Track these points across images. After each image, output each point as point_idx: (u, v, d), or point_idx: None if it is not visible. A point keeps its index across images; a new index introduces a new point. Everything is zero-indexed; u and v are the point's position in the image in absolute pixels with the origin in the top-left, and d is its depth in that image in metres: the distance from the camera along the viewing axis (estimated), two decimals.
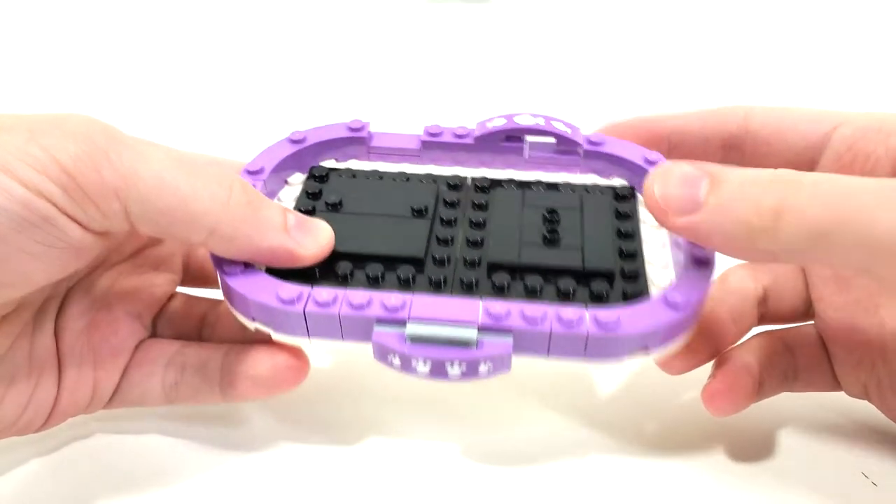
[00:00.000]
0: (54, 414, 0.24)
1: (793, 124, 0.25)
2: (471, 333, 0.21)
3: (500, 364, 0.21)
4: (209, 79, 0.82)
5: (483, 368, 0.21)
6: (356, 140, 0.27)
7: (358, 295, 0.22)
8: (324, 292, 0.22)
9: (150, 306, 0.26)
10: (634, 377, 0.28)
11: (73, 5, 0.81)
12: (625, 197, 0.26)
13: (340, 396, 0.28)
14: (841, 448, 0.25)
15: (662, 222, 0.21)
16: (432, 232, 0.25)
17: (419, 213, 0.25)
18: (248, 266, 0.23)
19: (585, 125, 0.28)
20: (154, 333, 0.27)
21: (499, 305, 0.21)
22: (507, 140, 0.27)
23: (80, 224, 0.20)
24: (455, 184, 0.27)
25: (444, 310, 0.21)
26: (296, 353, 0.25)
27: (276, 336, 0.23)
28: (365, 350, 0.22)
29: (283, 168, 0.27)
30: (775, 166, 0.25)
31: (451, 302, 0.22)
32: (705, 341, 0.24)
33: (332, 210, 0.25)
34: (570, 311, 0.21)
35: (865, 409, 0.26)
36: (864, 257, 0.18)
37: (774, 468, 0.24)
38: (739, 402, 0.24)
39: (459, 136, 0.27)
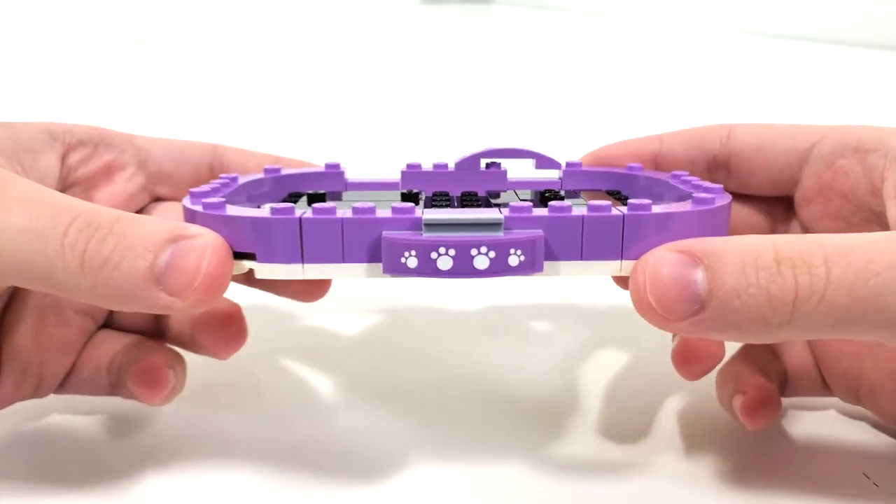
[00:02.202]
0: None
1: (772, 142, 0.25)
2: (497, 216, 0.19)
3: (532, 257, 0.19)
4: (207, 79, 0.83)
5: (513, 259, 0.19)
6: (333, 175, 0.27)
7: (362, 204, 0.19)
8: (323, 205, 0.19)
9: None
10: (636, 383, 0.28)
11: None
12: (614, 194, 0.26)
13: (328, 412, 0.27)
14: (842, 448, 0.24)
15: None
16: (426, 204, 0.24)
17: (410, 197, 0.24)
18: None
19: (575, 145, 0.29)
20: (112, 324, 0.26)
21: (521, 204, 0.19)
22: (488, 167, 0.27)
23: None
24: (441, 193, 0.26)
25: (461, 212, 0.19)
26: (157, 372, 0.24)
27: (262, 270, 0.20)
28: (369, 284, 0.20)
29: (258, 191, 0.26)
30: (758, 184, 0.26)
31: (466, 210, 0.20)
32: (706, 344, 0.23)
33: (316, 201, 0.24)
34: (598, 204, 0.19)
35: (866, 409, 0.25)
36: (886, 335, 0.18)
37: (775, 469, 0.23)
38: (776, 411, 0.24)
39: (439, 167, 0.27)
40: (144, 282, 0.18)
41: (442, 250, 0.18)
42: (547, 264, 0.19)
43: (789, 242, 0.18)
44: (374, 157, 0.55)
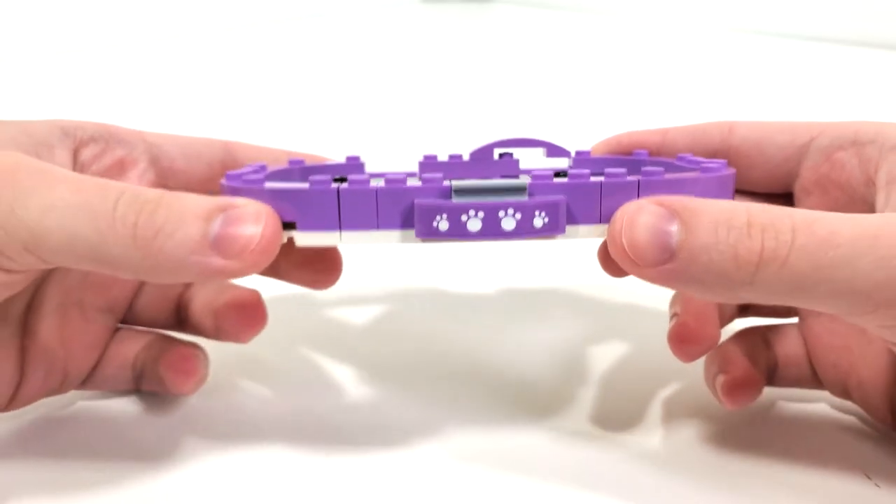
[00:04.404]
0: (17, 399, 0.24)
1: (770, 138, 0.26)
2: (522, 181, 0.20)
3: (555, 219, 0.20)
4: (207, 77, 0.83)
5: (538, 221, 0.20)
6: (353, 167, 0.29)
7: (394, 175, 0.21)
8: (358, 177, 0.21)
9: (121, 297, 0.27)
10: (630, 378, 0.28)
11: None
12: None
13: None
14: (843, 449, 0.24)
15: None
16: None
17: None
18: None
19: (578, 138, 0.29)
20: (133, 320, 0.27)
21: (543, 172, 0.21)
22: (501, 157, 0.27)
23: None
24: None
25: (488, 180, 0.21)
26: (188, 357, 0.25)
27: (302, 238, 0.21)
28: (402, 250, 0.20)
29: (286, 179, 0.27)
30: (758, 179, 0.26)
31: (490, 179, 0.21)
32: (702, 326, 0.24)
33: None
34: (615, 171, 0.20)
35: (854, 404, 0.25)
36: (844, 306, 0.18)
37: (776, 469, 0.23)
38: (755, 393, 0.24)
39: (454, 157, 0.28)
40: (199, 247, 0.19)
41: (471, 213, 0.20)
42: (568, 228, 0.21)
43: (762, 210, 0.19)
44: (373, 157, 0.55)
